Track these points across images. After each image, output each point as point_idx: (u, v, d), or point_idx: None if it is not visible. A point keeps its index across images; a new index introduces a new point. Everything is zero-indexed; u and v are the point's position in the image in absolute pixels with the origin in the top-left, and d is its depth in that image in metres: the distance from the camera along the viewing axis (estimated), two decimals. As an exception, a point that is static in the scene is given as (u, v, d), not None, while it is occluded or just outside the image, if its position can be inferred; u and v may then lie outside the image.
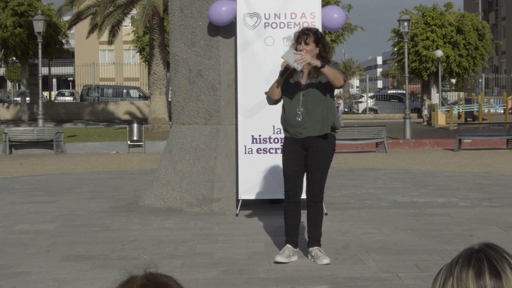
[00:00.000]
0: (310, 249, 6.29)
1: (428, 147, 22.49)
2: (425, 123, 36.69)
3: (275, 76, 6.45)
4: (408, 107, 25.95)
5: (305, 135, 6.17)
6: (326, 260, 6.15)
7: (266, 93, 6.42)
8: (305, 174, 6.28)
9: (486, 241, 1.55)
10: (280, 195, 8.75)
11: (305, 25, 8.69)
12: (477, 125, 23.35)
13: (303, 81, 6.22)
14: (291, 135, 6.22)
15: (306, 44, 6.11)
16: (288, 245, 6.24)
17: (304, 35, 6.14)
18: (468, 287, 1.44)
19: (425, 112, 37.58)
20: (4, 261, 6.47)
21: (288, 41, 8.71)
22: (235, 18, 8.88)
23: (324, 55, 6.16)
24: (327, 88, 6.20)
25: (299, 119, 6.15)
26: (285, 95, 6.24)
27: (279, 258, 6.15)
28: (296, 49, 6.13)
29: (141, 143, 22.29)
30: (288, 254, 6.19)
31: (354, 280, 5.65)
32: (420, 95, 47.85)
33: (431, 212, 8.84)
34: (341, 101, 38.48)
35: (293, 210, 6.26)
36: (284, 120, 6.26)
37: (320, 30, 8.80)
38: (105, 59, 67.87)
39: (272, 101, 6.35)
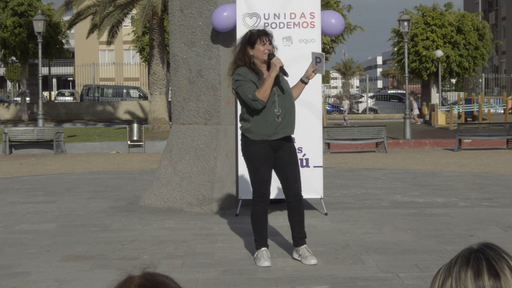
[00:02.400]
0: (298, 248, 6.23)
1: (428, 147, 22.49)
2: (419, 122, 36.79)
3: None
4: (408, 107, 25.96)
5: (282, 135, 6.10)
6: (314, 261, 6.11)
7: (254, 98, 5.95)
8: (282, 174, 6.19)
9: (485, 241, 1.55)
10: (280, 195, 8.76)
11: (305, 25, 8.70)
12: (477, 125, 23.35)
13: None
14: (267, 136, 6.06)
15: (270, 44, 6.09)
16: (265, 248, 6.20)
17: (268, 35, 6.07)
18: (466, 287, 1.44)
19: (415, 112, 37.75)
20: (4, 261, 6.47)
21: (288, 41, 8.71)
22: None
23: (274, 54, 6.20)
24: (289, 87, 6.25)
25: (279, 120, 6.07)
26: None
27: (267, 263, 6.09)
28: (253, 48, 6.05)
29: (141, 143, 22.30)
30: (269, 256, 6.17)
31: (354, 280, 5.65)
32: (420, 95, 47.88)
33: (431, 212, 8.84)
34: (346, 101, 38.83)
35: (266, 213, 6.24)
36: (262, 122, 6.03)
37: (320, 31, 8.81)
38: (105, 59, 67.89)
39: (263, 105, 5.99)
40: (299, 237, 6.24)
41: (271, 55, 6.04)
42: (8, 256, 6.69)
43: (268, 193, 6.19)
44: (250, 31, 6.20)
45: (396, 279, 5.67)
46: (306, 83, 6.30)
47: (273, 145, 6.11)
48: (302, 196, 6.27)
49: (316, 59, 6.17)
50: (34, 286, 5.62)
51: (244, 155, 6.21)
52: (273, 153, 6.13)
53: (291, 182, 6.18)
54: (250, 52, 6.08)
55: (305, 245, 6.23)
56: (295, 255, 6.26)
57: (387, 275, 5.77)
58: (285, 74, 6.09)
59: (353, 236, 7.39)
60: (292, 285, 5.55)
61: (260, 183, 6.10)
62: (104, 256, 6.60)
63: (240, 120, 6.26)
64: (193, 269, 6.06)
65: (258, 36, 6.05)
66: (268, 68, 6.10)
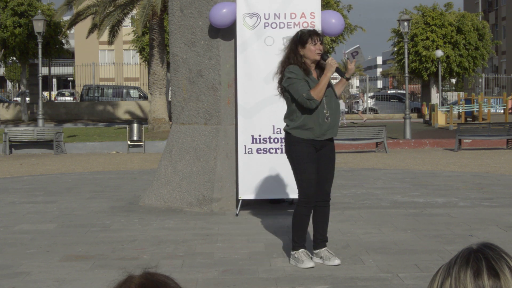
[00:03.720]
0: (318, 250, 6.19)
1: (428, 147, 22.49)
2: (364, 118, 37.64)
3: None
4: (408, 107, 25.95)
5: (329, 136, 6.09)
6: (337, 261, 6.07)
7: (309, 97, 5.88)
8: (318, 173, 6.10)
9: (485, 241, 1.55)
10: (280, 195, 8.77)
11: (305, 25, 8.69)
12: (477, 125, 23.36)
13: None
14: (315, 137, 6.00)
15: (321, 44, 6.12)
16: (304, 249, 6.12)
17: (319, 35, 6.10)
18: (466, 287, 1.44)
19: (360, 108, 38.64)
20: (4, 261, 6.47)
21: (288, 41, 8.71)
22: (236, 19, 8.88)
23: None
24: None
25: (328, 121, 6.03)
26: None
27: (311, 263, 6.02)
28: (304, 47, 6.03)
29: (141, 143, 22.30)
30: (310, 256, 6.13)
31: (354, 280, 5.66)
32: (420, 95, 47.90)
33: (431, 212, 8.84)
34: (341, 101, 39.02)
35: (310, 214, 6.13)
36: (313, 123, 5.98)
37: (320, 31, 8.82)
38: (105, 59, 67.87)
39: (317, 104, 5.95)
40: (321, 239, 6.19)
41: (324, 55, 6.05)
42: (8, 256, 6.69)
43: (314, 194, 6.05)
44: (301, 30, 6.21)
45: (396, 279, 5.67)
46: (348, 80, 6.33)
47: (317, 144, 6.06)
48: (330, 197, 6.23)
49: (353, 53, 6.23)
50: (34, 286, 5.63)
51: (289, 154, 6.12)
52: (315, 151, 6.09)
53: (325, 182, 6.14)
54: (300, 52, 6.06)
55: (325, 248, 6.19)
56: (316, 259, 6.18)
57: (387, 275, 5.77)
58: (342, 74, 6.13)
59: (353, 236, 7.39)
60: (292, 285, 5.55)
61: (307, 183, 6.01)
62: (104, 256, 6.61)
63: (285, 119, 6.16)
64: (193, 269, 6.06)
65: (310, 35, 6.05)
66: (317, 67, 6.12)
